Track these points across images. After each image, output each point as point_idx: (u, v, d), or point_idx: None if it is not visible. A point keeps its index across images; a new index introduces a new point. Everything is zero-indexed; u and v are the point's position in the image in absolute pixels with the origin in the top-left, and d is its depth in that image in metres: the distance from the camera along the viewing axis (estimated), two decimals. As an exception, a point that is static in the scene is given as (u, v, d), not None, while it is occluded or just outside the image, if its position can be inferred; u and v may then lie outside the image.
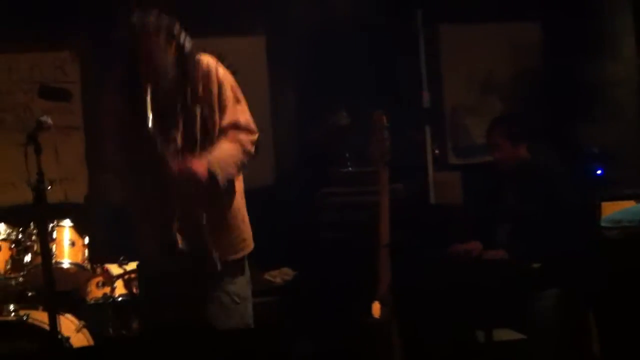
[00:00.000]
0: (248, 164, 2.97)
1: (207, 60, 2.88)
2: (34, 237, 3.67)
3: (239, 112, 2.89)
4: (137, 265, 3.23)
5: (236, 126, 2.87)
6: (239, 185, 2.97)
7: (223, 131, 2.86)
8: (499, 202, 3.97)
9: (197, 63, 2.85)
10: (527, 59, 5.34)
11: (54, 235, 3.74)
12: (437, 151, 5.30)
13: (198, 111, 2.81)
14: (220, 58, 2.96)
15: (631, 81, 4.88)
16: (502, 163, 3.89)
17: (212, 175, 2.74)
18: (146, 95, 2.67)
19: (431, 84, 5.32)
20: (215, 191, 2.79)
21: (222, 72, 2.89)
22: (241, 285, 2.95)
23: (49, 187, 2.82)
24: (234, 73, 2.99)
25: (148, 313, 3.05)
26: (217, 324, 2.87)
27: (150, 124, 2.65)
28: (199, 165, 2.73)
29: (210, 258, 2.82)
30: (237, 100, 2.90)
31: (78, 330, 3.63)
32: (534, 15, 5.30)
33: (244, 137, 2.87)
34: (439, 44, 5.38)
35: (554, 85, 5.22)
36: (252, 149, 2.90)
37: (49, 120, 2.83)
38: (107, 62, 3.01)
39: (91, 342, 3.65)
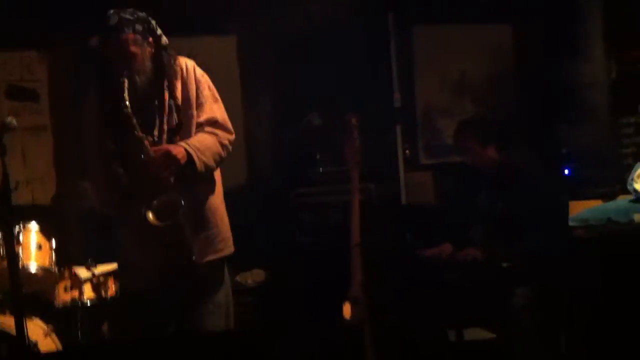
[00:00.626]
0: (222, 164, 2.97)
1: (185, 60, 2.95)
2: (-1, 241, 3.61)
3: (216, 110, 2.93)
4: (118, 269, 3.21)
5: (214, 122, 2.90)
6: (218, 184, 2.98)
7: (200, 126, 2.89)
8: (470, 202, 3.99)
9: (175, 61, 2.89)
10: (499, 61, 5.37)
11: (21, 238, 3.68)
12: (407, 151, 5.32)
13: (175, 105, 2.84)
14: (191, 57, 2.99)
15: (601, 82, 4.93)
16: (472, 164, 3.91)
17: (189, 156, 2.76)
18: (123, 85, 2.71)
19: (403, 85, 5.34)
20: (193, 175, 2.79)
21: (200, 72, 2.96)
22: (222, 294, 2.96)
23: (15, 189, 2.77)
24: (205, 72, 3.01)
25: (124, 319, 3.03)
26: (193, 330, 2.87)
27: (127, 104, 2.68)
28: (176, 147, 2.77)
29: (186, 245, 2.79)
30: (215, 100, 2.95)
31: (46, 335, 3.58)
32: (506, 17, 5.34)
33: (221, 133, 2.91)
34: (411, 45, 5.39)
35: (525, 87, 5.26)
36: (229, 146, 2.93)
37: (13, 121, 2.78)
38: (79, 62, 3.01)
39: (59, 347, 3.61)
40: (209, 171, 2.88)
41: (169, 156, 2.73)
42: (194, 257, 2.83)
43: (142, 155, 2.72)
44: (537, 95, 5.15)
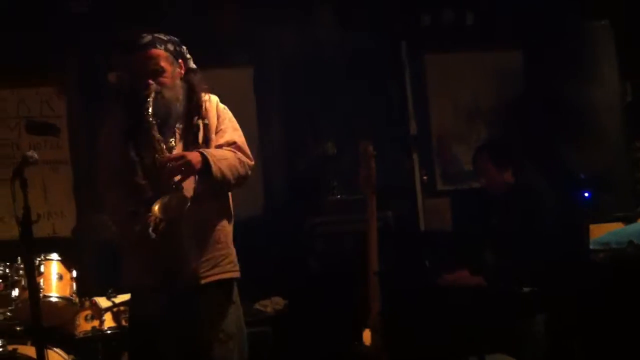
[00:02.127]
0: (238, 193, 2.98)
1: (210, 95, 2.98)
2: (21, 272, 3.65)
3: (236, 137, 2.94)
4: (129, 300, 3.20)
5: (232, 144, 2.91)
6: (230, 209, 2.96)
7: (220, 147, 2.89)
8: (486, 226, 3.99)
9: (202, 84, 2.93)
10: (511, 86, 5.40)
11: (42, 269, 3.72)
12: (425, 177, 5.33)
13: (201, 123, 2.86)
14: (209, 91, 3.02)
15: (615, 106, 4.92)
16: (489, 188, 3.94)
17: (205, 161, 2.74)
18: (149, 95, 2.73)
19: (417, 112, 5.37)
20: (207, 182, 2.77)
21: (222, 106, 2.98)
22: (229, 322, 2.86)
23: (35, 221, 2.81)
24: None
25: (137, 347, 3.01)
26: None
27: (150, 111, 2.70)
28: (192, 153, 2.76)
29: (190, 268, 2.78)
30: (235, 129, 2.96)
31: (67, 365, 3.59)
32: (516, 43, 5.37)
33: (240, 154, 2.89)
34: (424, 72, 5.43)
35: (538, 111, 5.27)
36: (248, 167, 2.90)
37: (34, 155, 2.83)
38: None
39: (80, 377, 3.63)
40: (225, 183, 2.82)
41: (184, 159, 2.71)
42: (194, 273, 2.79)
43: (157, 156, 2.70)
44: (551, 118, 5.15)
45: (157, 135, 2.73)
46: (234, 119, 2.98)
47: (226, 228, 2.93)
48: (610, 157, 4.77)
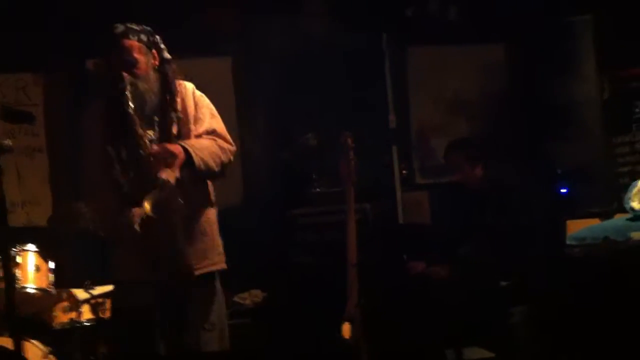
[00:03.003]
0: (217, 185, 2.97)
1: (185, 83, 2.97)
2: (-3, 262, 3.60)
3: (215, 123, 2.94)
4: (112, 290, 3.19)
5: (212, 132, 2.91)
6: (213, 198, 2.97)
7: (199, 137, 2.89)
8: (462, 220, 4.04)
9: (176, 74, 2.91)
10: (492, 80, 5.42)
11: (18, 260, 3.67)
12: (404, 171, 5.35)
13: (176, 117, 2.85)
14: (187, 79, 3.01)
15: (594, 101, 4.97)
16: (462, 183, 3.99)
17: (187, 153, 2.74)
18: (125, 87, 2.71)
19: (397, 105, 5.37)
20: (191, 174, 2.77)
21: (199, 93, 2.98)
22: (215, 312, 2.91)
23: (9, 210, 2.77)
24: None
25: (120, 338, 3.00)
26: (188, 350, 2.83)
27: (129, 103, 2.68)
28: (174, 145, 2.76)
29: (185, 261, 2.78)
30: (212, 115, 2.96)
31: (44, 357, 3.55)
32: (498, 37, 5.39)
33: (220, 141, 2.90)
34: (405, 65, 5.43)
35: (519, 105, 5.30)
36: (229, 152, 2.91)
37: (9, 142, 2.79)
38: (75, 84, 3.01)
39: (57, 369, 3.59)
40: (210, 173, 2.84)
41: (167, 151, 2.71)
42: (188, 267, 2.80)
43: (141, 151, 2.70)
44: (530, 113, 5.18)
45: (140, 131, 2.71)
46: (211, 105, 2.98)
47: (211, 219, 2.94)
48: (588, 153, 4.82)
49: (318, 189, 4.82)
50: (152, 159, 2.69)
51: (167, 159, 2.71)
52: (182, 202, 2.70)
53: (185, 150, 2.76)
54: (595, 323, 3.67)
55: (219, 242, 2.96)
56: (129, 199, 2.72)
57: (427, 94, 5.45)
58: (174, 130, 2.85)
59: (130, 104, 2.71)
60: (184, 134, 2.87)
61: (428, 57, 5.42)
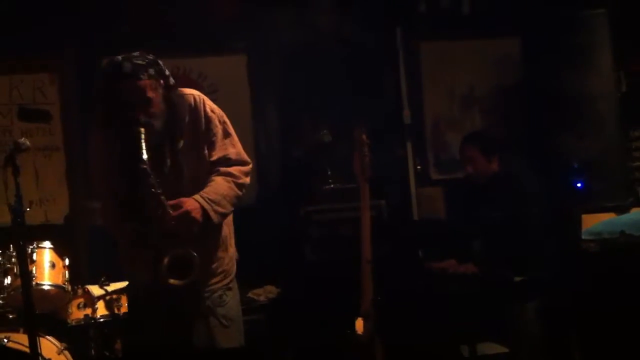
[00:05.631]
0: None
1: (193, 95, 2.87)
2: (13, 260, 3.64)
3: (229, 146, 2.87)
4: (127, 287, 3.20)
5: (227, 160, 2.85)
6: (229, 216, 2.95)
7: (214, 165, 2.84)
8: (475, 215, 4.01)
9: (182, 98, 2.83)
10: (506, 74, 5.39)
11: (34, 257, 3.71)
12: (419, 167, 5.33)
13: (186, 146, 2.79)
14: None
15: (610, 94, 4.92)
16: (476, 177, 3.96)
17: (206, 215, 2.72)
18: (140, 134, 2.63)
19: (412, 100, 5.36)
20: (208, 228, 2.77)
21: (210, 107, 2.87)
22: (229, 307, 2.91)
23: (28, 209, 2.81)
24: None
25: (135, 334, 3.02)
26: (206, 347, 2.83)
27: (144, 157, 2.61)
28: (193, 205, 2.70)
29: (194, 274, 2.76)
30: (226, 134, 2.88)
31: (59, 353, 3.59)
32: (512, 31, 5.36)
33: (235, 170, 2.85)
34: (419, 60, 5.41)
35: (533, 99, 5.26)
36: (246, 180, 2.89)
37: (26, 141, 2.83)
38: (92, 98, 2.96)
39: (73, 365, 3.62)
40: (226, 216, 2.85)
41: (187, 217, 2.68)
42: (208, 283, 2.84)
43: (160, 212, 2.64)
44: (546, 107, 5.15)
45: (157, 192, 2.62)
46: (224, 118, 2.90)
47: (223, 239, 2.91)
48: (604, 147, 4.77)
49: (332, 185, 4.82)
50: (172, 220, 2.65)
51: (185, 219, 2.67)
52: (196, 256, 2.69)
53: (202, 209, 2.71)
54: (611, 318, 3.64)
55: (227, 260, 2.93)
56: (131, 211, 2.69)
57: (442, 89, 5.43)
58: (186, 162, 2.79)
59: (145, 158, 2.61)
60: (197, 162, 2.81)
61: (442, 52, 5.40)
